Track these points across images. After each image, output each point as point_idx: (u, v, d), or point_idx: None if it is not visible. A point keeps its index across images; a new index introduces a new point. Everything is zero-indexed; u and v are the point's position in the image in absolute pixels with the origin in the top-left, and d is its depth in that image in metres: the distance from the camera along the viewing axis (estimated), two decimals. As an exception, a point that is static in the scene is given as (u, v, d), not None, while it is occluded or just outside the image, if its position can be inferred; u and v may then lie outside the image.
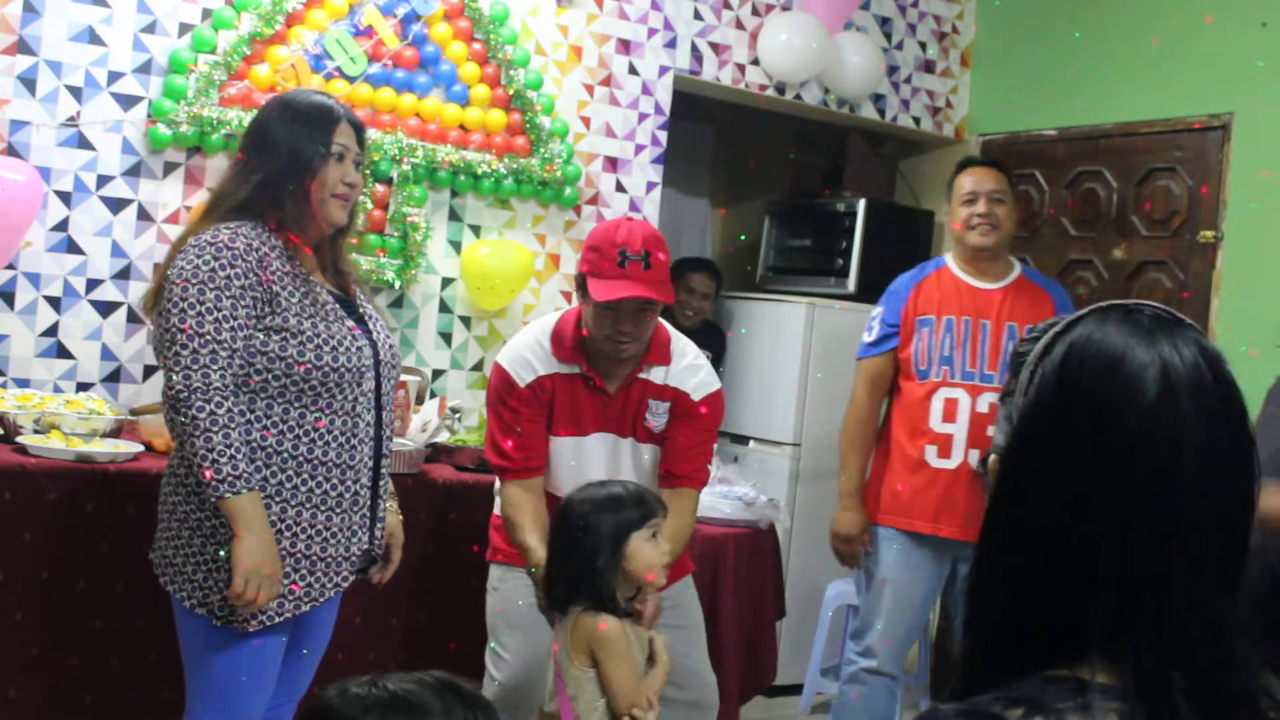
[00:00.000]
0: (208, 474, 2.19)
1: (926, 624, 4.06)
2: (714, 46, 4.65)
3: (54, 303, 3.59)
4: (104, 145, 3.63)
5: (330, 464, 2.36)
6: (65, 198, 3.59)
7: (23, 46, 3.51)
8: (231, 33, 3.73)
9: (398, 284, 4.02)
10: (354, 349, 2.37)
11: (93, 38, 3.60)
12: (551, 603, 2.46)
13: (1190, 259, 4.41)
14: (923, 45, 5.18)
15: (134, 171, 3.67)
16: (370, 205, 3.95)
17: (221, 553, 2.24)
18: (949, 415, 3.37)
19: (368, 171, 3.82)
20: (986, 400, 3.33)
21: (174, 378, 2.21)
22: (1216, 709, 0.90)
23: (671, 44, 4.56)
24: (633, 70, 4.48)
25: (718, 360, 4.86)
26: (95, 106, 3.61)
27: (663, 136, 4.57)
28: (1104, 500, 0.92)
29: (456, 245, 4.19)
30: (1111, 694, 0.89)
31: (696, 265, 5.05)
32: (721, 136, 6.12)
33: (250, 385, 2.28)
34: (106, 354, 3.67)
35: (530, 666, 2.79)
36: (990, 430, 3.24)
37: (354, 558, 2.44)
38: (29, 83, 3.52)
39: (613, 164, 4.46)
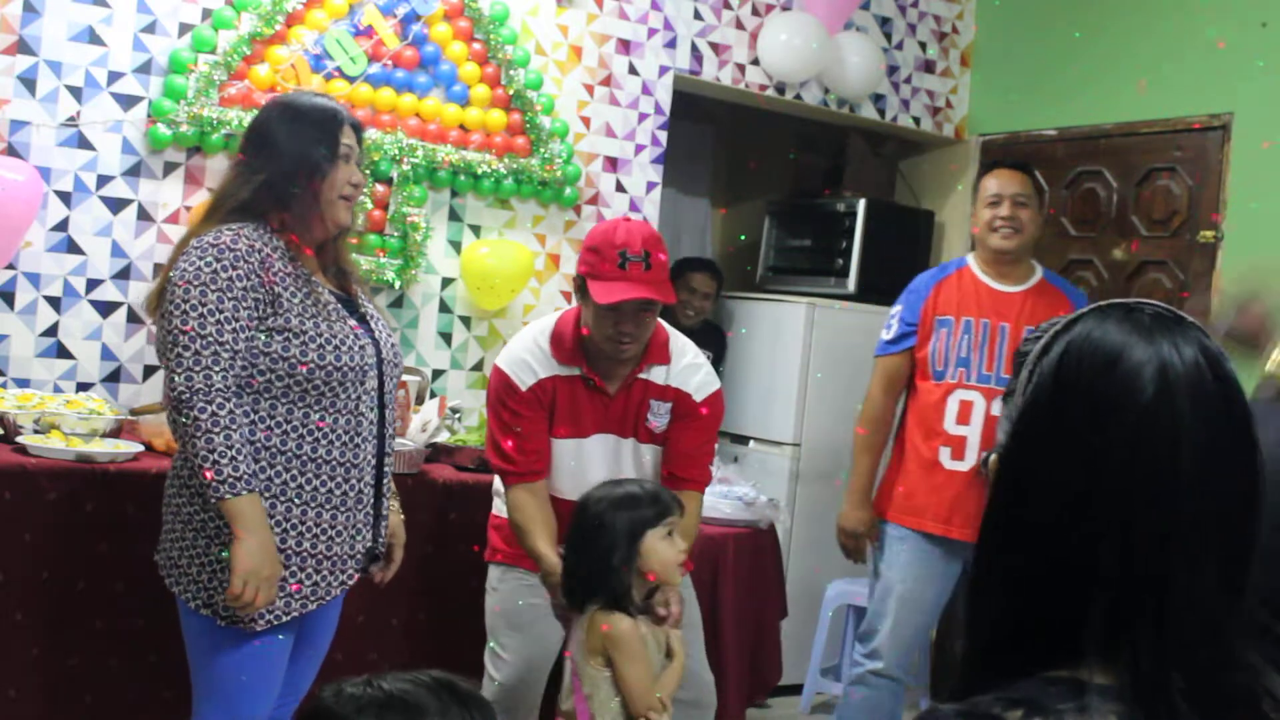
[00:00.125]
0: (208, 475, 2.20)
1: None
2: (714, 46, 4.65)
3: (54, 303, 3.59)
4: (104, 145, 3.63)
5: (334, 462, 2.36)
6: (65, 198, 3.59)
7: (23, 46, 3.51)
8: (231, 33, 3.73)
9: (398, 284, 4.02)
10: (356, 348, 2.37)
11: (93, 38, 3.60)
12: (569, 601, 2.45)
13: (1190, 259, 4.41)
14: (923, 45, 5.17)
15: (134, 171, 3.67)
16: (370, 205, 3.94)
17: (224, 554, 2.24)
18: (964, 417, 3.36)
19: (367, 171, 3.82)
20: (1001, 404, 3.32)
21: (176, 379, 2.21)
22: (1216, 709, 0.89)
23: (671, 44, 4.56)
24: (633, 70, 4.48)
25: (718, 360, 4.85)
26: (95, 106, 3.61)
27: (663, 136, 4.56)
28: (1103, 500, 0.91)
29: (456, 245, 4.19)
30: (1110, 695, 0.89)
31: (697, 265, 5.05)
32: (721, 136, 6.12)
33: (253, 386, 2.29)
34: (106, 354, 3.66)
35: (529, 666, 2.78)
36: None
37: (358, 556, 2.45)
38: (29, 83, 3.52)
39: (613, 164, 4.46)
